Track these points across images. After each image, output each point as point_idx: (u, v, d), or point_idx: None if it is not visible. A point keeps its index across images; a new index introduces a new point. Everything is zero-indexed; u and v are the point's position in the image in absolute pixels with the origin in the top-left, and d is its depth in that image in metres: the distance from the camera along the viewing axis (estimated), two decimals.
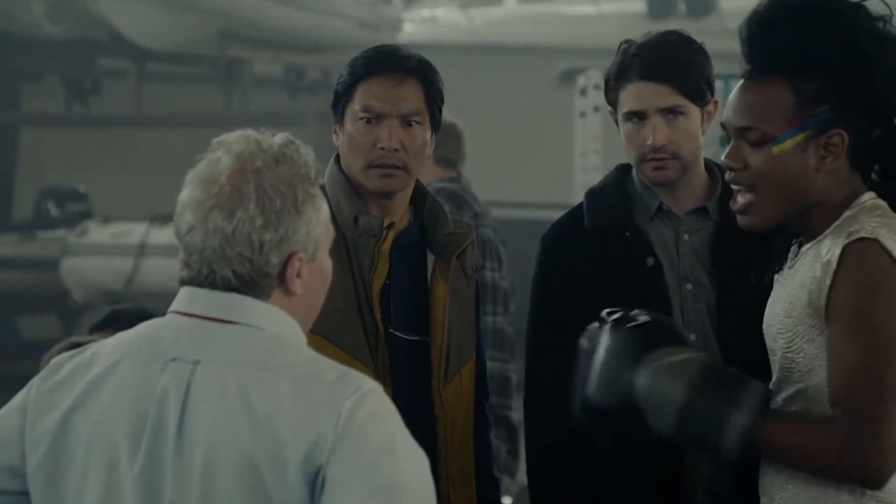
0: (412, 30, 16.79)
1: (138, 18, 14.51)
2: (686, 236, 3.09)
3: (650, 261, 3.08)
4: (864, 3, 2.51)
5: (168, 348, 2.13)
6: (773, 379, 2.57)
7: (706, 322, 3.04)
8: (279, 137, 2.19)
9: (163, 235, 13.78)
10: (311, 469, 2.04)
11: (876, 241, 2.41)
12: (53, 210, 14.91)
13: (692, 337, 3.04)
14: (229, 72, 16.03)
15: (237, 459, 2.06)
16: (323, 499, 2.04)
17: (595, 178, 9.78)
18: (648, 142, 3.03)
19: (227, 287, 2.14)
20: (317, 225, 2.16)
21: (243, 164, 2.14)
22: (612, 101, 3.11)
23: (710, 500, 3.02)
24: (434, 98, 3.04)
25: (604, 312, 2.65)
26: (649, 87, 3.02)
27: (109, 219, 14.23)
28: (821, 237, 2.50)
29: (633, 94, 3.05)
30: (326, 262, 2.21)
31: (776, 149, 2.48)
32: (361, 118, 3.00)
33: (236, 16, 15.40)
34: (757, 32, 2.51)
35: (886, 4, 2.52)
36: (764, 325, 2.62)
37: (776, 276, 2.63)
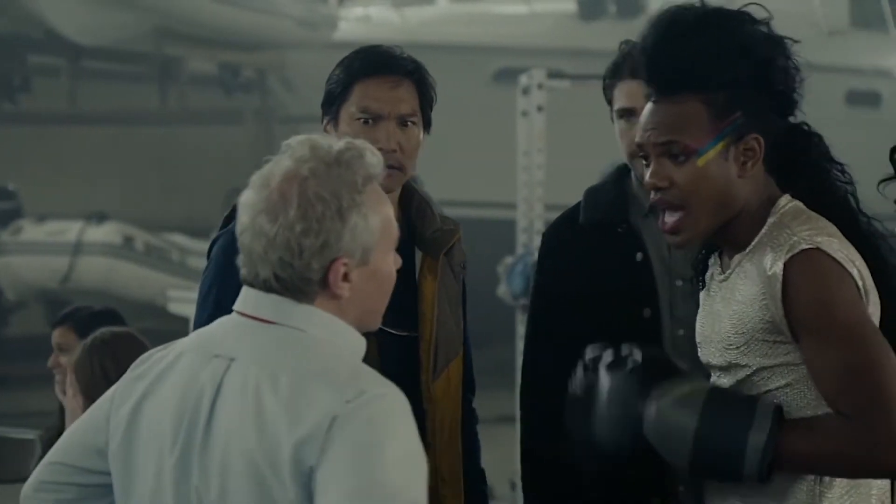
0: (346, 28, 16.77)
1: (73, 15, 14.41)
2: None
3: (639, 256, 3.15)
4: (746, 9, 2.57)
5: (216, 345, 2.21)
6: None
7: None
8: (340, 143, 2.22)
9: (99, 234, 13.72)
10: (303, 469, 2.08)
11: (817, 249, 2.47)
12: None
13: (680, 332, 3.11)
14: (165, 69, 15.95)
15: (243, 457, 2.11)
16: (315, 500, 2.07)
17: (539, 177, 9.78)
18: (637, 139, 3.09)
19: (269, 289, 2.19)
20: (365, 230, 2.18)
21: (295, 169, 2.18)
22: (608, 98, 3.20)
23: (690, 492, 3.08)
24: (427, 99, 3.10)
25: (588, 353, 2.66)
26: (640, 85, 3.08)
27: (44, 217, 14.13)
28: (750, 248, 2.54)
29: (624, 92, 3.15)
30: (383, 265, 2.23)
31: (701, 161, 2.52)
32: (359, 119, 3.04)
33: (173, 13, 15.32)
34: (655, 55, 2.56)
35: (764, 7, 2.58)
36: (698, 339, 2.66)
37: (703, 292, 2.68)
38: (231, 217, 2.90)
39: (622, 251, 3.16)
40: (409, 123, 3.06)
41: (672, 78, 2.53)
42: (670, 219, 2.56)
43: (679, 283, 3.15)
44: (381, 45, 3.15)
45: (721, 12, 2.55)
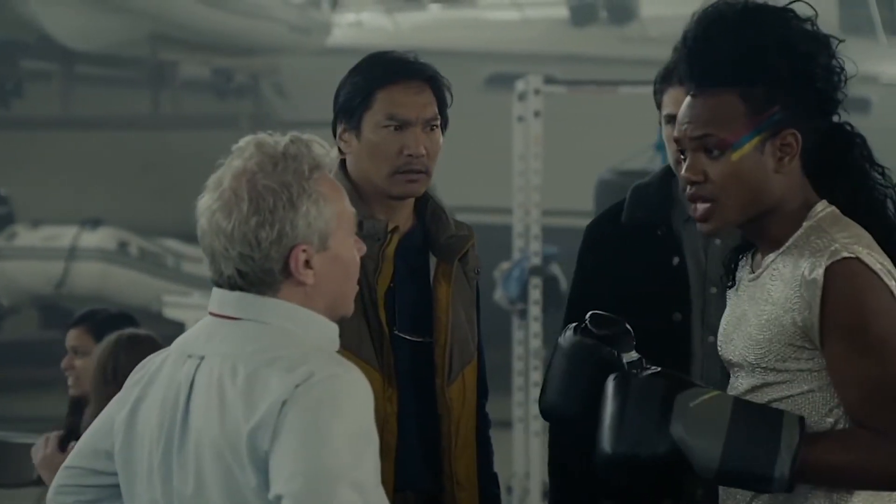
0: (339, 34, 16.80)
1: (66, 20, 14.41)
2: (718, 240, 3.16)
3: (675, 260, 3.17)
4: (791, 7, 2.58)
5: (190, 345, 2.30)
6: (741, 389, 2.60)
7: None
8: (286, 137, 2.30)
9: (94, 239, 13.73)
10: (259, 455, 2.16)
11: (857, 259, 2.47)
12: None
13: (711, 339, 3.07)
14: (158, 74, 15.96)
15: (212, 449, 2.20)
16: (270, 484, 2.15)
17: (535, 182, 9.81)
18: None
19: (234, 285, 2.26)
20: (318, 217, 2.25)
21: (244, 167, 2.26)
22: (657, 102, 3.22)
23: (708, 496, 3.09)
24: (444, 102, 3.15)
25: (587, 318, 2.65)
26: None
27: (38, 222, 14.14)
28: (784, 249, 2.55)
29: (672, 99, 3.14)
30: (344, 250, 2.29)
31: (735, 155, 2.52)
32: (387, 126, 3.07)
33: (166, 18, 15.34)
34: (696, 49, 2.56)
35: (811, 6, 2.59)
36: (721, 337, 2.66)
37: (730, 290, 2.68)
38: None
39: (660, 254, 3.17)
40: (433, 127, 3.11)
41: (710, 72, 2.54)
42: (701, 207, 2.57)
43: (713, 290, 3.15)
44: (394, 51, 3.18)
45: (763, 8, 2.56)
